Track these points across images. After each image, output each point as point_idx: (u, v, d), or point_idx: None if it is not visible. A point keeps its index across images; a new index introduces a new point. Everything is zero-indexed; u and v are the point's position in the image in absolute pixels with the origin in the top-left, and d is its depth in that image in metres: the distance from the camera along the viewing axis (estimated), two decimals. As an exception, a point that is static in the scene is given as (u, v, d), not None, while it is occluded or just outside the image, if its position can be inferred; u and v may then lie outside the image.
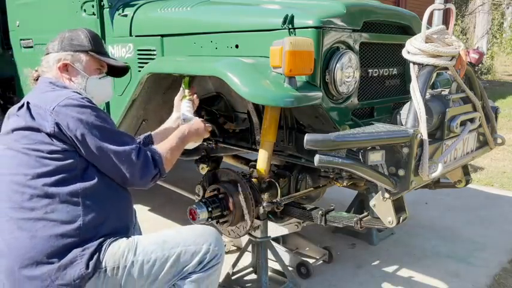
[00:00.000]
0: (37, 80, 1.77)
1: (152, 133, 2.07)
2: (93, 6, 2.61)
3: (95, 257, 1.49)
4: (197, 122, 1.99)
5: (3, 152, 1.57)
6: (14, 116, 1.58)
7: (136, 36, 2.48)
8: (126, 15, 2.54)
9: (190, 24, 2.25)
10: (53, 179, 1.49)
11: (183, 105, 2.11)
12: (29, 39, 3.17)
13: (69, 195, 1.50)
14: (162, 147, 1.73)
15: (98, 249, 1.50)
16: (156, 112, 2.48)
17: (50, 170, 1.49)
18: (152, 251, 1.55)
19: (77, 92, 1.62)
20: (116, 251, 1.52)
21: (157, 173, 1.64)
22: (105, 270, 1.49)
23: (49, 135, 1.50)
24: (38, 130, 1.51)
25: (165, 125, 2.13)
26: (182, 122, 2.04)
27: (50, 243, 1.46)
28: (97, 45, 1.79)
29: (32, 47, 3.17)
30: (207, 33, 2.14)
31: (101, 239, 1.52)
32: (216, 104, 2.47)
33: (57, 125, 1.50)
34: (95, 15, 2.61)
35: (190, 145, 1.99)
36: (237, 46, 2.02)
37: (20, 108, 1.57)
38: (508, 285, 2.56)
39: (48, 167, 1.49)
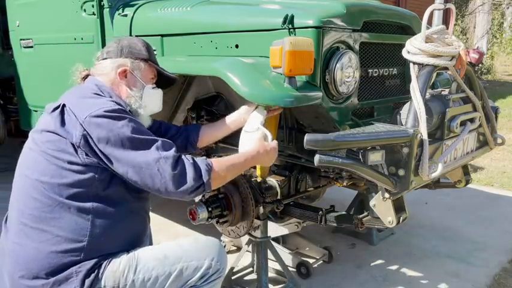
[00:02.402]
0: (84, 79, 1.71)
1: (204, 126, 1.99)
2: (93, 6, 2.61)
3: (93, 275, 1.45)
4: (274, 147, 1.76)
5: (30, 151, 1.54)
6: (48, 115, 1.53)
7: (136, 36, 2.48)
8: (126, 15, 2.54)
9: (190, 24, 2.24)
10: (67, 192, 1.45)
11: (258, 111, 1.86)
12: (29, 39, 3.17)
13: (80, 212, 1.45)
14: (221, 161, 1.59)
15: (97, 266, 1.46)
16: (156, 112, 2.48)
17: (66, 182, 1.45)
18: (153, 268, 1.50)
19: (115, 102, 1.55)
20: (115, 269, 1.47)
21: (199, 186, 1.47)
22: None
23: (74, 145, 1.45)
24: (64, 138, 1.46)
25: (228, 118, 1.97)
26: (249, 130, 1.80)
27: (49, 260, 1.43)
28: (152, 55, 1.77)
29: (32, 47, 3.17)
30: (207, 33, 2.14)
31: (100, 257, 1.48)
32: (216, 104, 2.46)
33: (85, 136, 1.44)
34: (95, 15, 2.61)
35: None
36: (237, 46, 2.02)
37: (55, 109, 1.51)
38: (508, 285, 2.56)
39: (65, 178, 1.45)
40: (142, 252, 1.55)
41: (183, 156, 1.50)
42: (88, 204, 1.47)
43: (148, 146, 1.47)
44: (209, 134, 1.98)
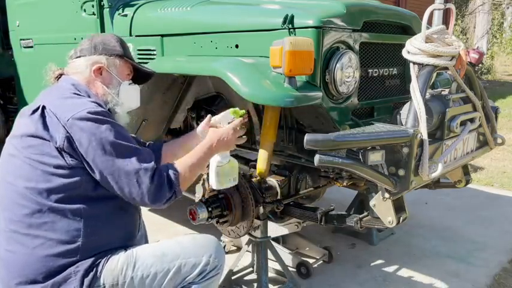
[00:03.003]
0: (58, 78, 1.68)
1: (166, 143, 1.93)
2: (93, 6, 2.62)
3: (91, 274, 1.44)
4: (226, 131, 1.74)
5: (11, 157, 1.49)
6: (27, 118, 1.47)
7: (136, 36, 2.48)
8: (126, 15, 2.54)
9: (190, 24, 2.25)
10: (56, 196, 1.42)
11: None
12: (29, 39, 3.17)
13: (70, 214, 1.43)
14: (183, 163, 1.58)
15: (95, 265, 1.46)
16: (156, 112, 2.48)
17: (53, 186, 1.42)
18: (152, 265, 1.51)
19: (96, 103, 1.53)
20: (114, 266, 1.47)
21: (171, 196, 1.50)
22: (104, 287, 1.46)
23: (58, 148, 1.42)
24: (47, 141, 1.43)
25: (188, 135, 1.93)
26: (220, 164, 1.79)
27: (45, 263, 1.42)
28: (127, 51, 1.74)
29: (32, 47, 3.17)
30: (207, 33, 2.14)
31: (97, 256, 1.47)
32: (216, 104, 2.47)
33: (68, 138, 1.41)
34: (95, 15, 2.62)
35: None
36: (237, 46, 2.02)
37: (34, 111, 1.46)
38: (508, 285, 2.56)
39: (51, 183, 1.42)
40: (141, 250, 1.55)
41: (158, 167, 1.51)
42: (78, 206, 1.45)
43: (130, 154, 1.46)
44: (171, 152, 1.90)
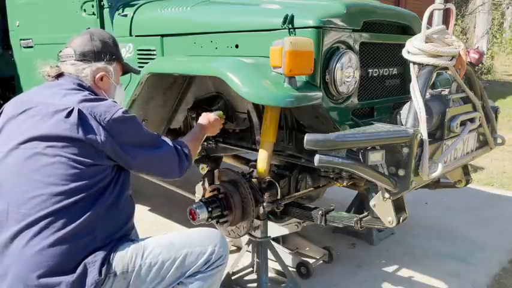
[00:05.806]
0: (57, 77, 1.71)
1: None
2: (93, 6, 2.62)
3: (106, 262, 1.49)
4: (206, 115, 2.13)
5: (36, 156, 1.48)
6: (59, 121, 1.49)
7: (136, 36, 2.48)
8: (126, 15, 2.54)
9: (190, 24, 2.25)
10: (83, 193, 1.47)
11: None
12: (29, 39, 3.17)
13: (92, 207, 1.48)
14: (188, 141, 1.86)
15: (108, 254, 1.50)
16: (156, 112, 2.48)
17: (83, 184, 1.47)
18: (159, 253, 1.56)
19: (115, 101, 1.65)
20: (124, 255, 1.53)
21: (189, 164, 1.77)
22: (115, 274, 1.50)
23: (97, 148, 1.49)
24: (86, 142, 1.48)
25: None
26: None
27: (70, 255, 1.44)
28: (119, 51, 1.84)
29: (32, 47, 3.17)
30: (207, 33, 2.14)
31: (110, 245, 1.53)
32: (216, 104, 2.46)
33: (109, 139, 1.50)
34: (95, 15, 2.61)
35: None
36: (237, 46, 2.02)
37: (69, 113, 1.49)
38: (508, 285, 2.56)
39: (82, 181, 1.47)
40: (149, 240, 1.62)
41: (175, 145, 1.74)
42: (99, 198, 1.51)
43: (159, 141, 1.69)
44: None
